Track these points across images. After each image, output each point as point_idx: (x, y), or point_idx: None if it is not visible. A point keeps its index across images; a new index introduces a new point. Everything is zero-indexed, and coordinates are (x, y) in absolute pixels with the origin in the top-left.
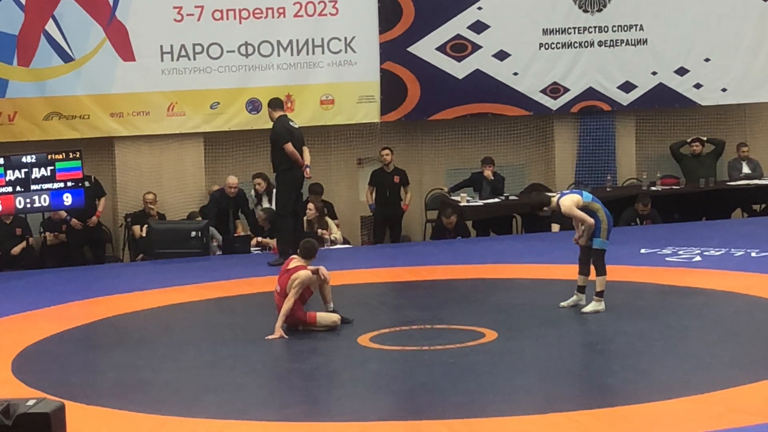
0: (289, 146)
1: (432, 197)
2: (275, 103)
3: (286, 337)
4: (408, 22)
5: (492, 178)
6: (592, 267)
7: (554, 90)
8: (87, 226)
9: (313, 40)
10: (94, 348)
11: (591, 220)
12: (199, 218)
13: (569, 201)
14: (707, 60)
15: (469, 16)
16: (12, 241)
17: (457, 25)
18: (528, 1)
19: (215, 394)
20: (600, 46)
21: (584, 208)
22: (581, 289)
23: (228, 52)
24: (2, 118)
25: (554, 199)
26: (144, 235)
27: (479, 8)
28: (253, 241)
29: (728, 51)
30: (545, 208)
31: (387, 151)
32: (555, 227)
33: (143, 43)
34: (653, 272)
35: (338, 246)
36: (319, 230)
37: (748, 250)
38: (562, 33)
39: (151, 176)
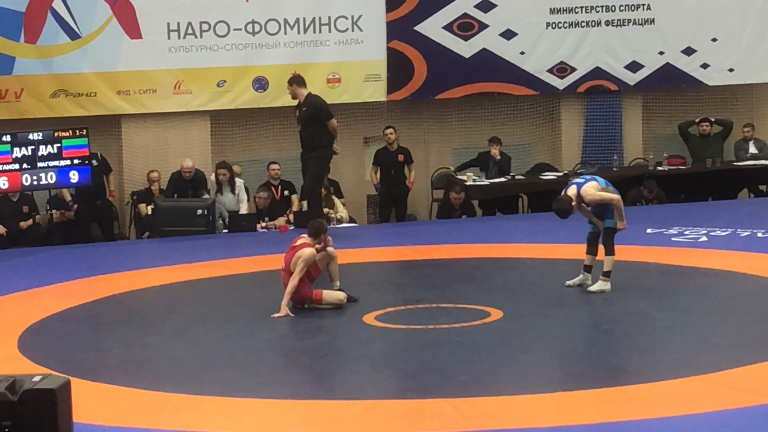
0: (335, 122)
1: (438, 176)
2: (301, 80)
3: (291, 315)
4: (415, 1)
5: (498, 157)
6: (599, 247)
7: (561, 69)
8: (95, 204)
9: (319, 18)
10: (100, 325)
11: (617, 196)
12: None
13: (591, 188)
14: (714, 40)
15: None
16: (19, 219)
17: (464, 4)
18: None
19: (220, 372)
20: (607, 25)
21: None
22: (588, 269)
23: (235, 30)
24: (9, 96)
25: (572, 193)
26: (150, 213)
27: None
28: (259, 225)
29: (735, 31)
30: (573, 203)
31: (391, 130)
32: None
33: (150, 21)
34: (659, 252)
35: (344, 225)
36: (326, 209)
37: (755, 231)
38: (569, 12)
39: (158, 154)
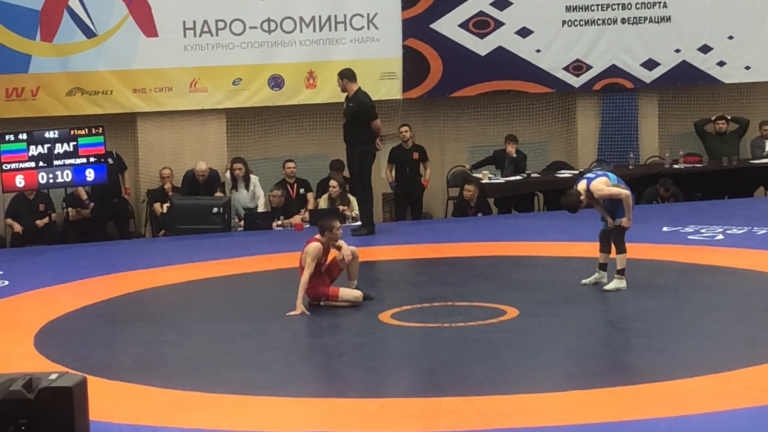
0: (378, 122)
1: (454, 174)
2: (352, 75)
3: (307, 313)
4: None
5: (514, 155)
6: (612, 245)
7: (577, 67)
8: (111, 203)
9: (335, 16)
10: (116, 323)
11: (626, 192)
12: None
13: (600, 184)
14: (731, 37)
15: None
16: (35, 217)
17: (480, 2)
18: None
19: (236, 370)
20: (623, 23)
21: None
22: (602, 267)
23: (250, 28)
24: (25, 94)
25: (581, 188)
26: (165, 211)
27: None
28: (275, 223)
29: (752, 28)
30: (581, 198)
31: (406, 128)
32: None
33: (166, 19)
34: (675, 250)
35: (359, 223)
36: (341, 206)
37: None
38: (585, 10)
39: (173, 152)
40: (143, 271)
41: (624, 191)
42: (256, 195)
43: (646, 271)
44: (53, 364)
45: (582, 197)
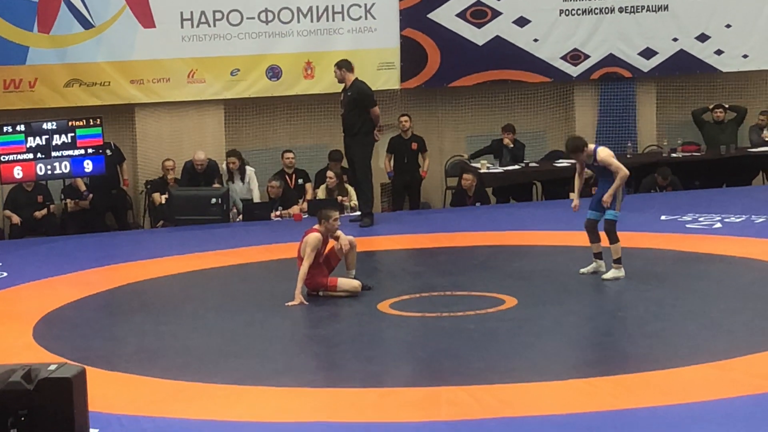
0: (377, 109)
1: (452, 164)
2: (350, 65)
3: (305, 303)
4: None
5: (512, 145)
6: (601, 233)
7: (575, 56)
8: (109, 194)
9: (333, 6)
10: (115, 314)
11: (626, 171)
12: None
13: (608, 150)
14: (728, 26)
15: None
16: (33, 208)
17: None
18: None
19: (235, 360)
20: (621, 12)
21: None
22: (598, 256)
23: (248, 18)
24: (23, 85)
25: (590, 147)
26: (163, 202)
27: None
28: (273, 214)
29: (750, 17)
30: (585, 148)
31: (405, 118)
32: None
33: (163, 10)
34: (673, 239)
35: (358, 213)
36: (339, 197)
37: None
38: None
39: (172, 143)
40: (142, 262)
41: (625, 170)
42: (250, 187)
43: (644, 259)
44: (52, 355)
45: (587, 147)
